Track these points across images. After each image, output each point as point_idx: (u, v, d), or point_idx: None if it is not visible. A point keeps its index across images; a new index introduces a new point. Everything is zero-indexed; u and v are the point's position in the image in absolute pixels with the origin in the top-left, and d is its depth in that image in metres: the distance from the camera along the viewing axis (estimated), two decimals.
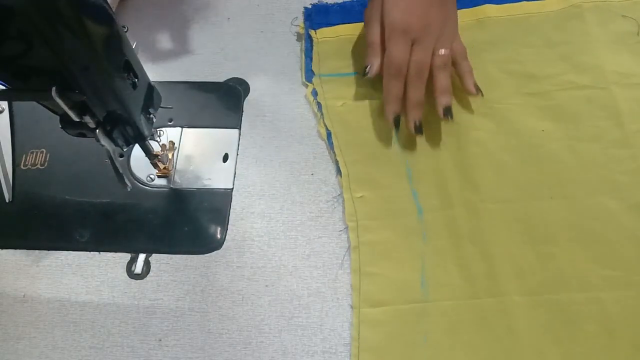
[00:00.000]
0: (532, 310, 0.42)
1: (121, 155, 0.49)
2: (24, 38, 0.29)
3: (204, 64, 0.55)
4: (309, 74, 0.53)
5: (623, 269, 0.42)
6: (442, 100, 0.46)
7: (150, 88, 0.40)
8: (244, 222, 0.47)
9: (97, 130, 0.35)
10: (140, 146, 0.43)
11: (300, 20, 0.56)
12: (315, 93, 0.52)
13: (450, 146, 0.48)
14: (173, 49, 0.56)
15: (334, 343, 0.42)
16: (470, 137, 0.48)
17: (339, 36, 0.54)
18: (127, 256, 0.46)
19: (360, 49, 0.53)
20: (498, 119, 0.46)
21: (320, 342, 0.42)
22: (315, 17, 0.55)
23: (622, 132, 0.47)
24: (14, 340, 0.44)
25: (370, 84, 0.51)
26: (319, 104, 0.51)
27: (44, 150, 0.50)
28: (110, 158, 0.39)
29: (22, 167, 0.50)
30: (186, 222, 0.47)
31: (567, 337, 0.41)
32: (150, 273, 0.46)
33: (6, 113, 0.52)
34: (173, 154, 0.49)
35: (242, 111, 0.52)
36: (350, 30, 0.54)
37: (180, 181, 0.48)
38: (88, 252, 0.47)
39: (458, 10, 0.49)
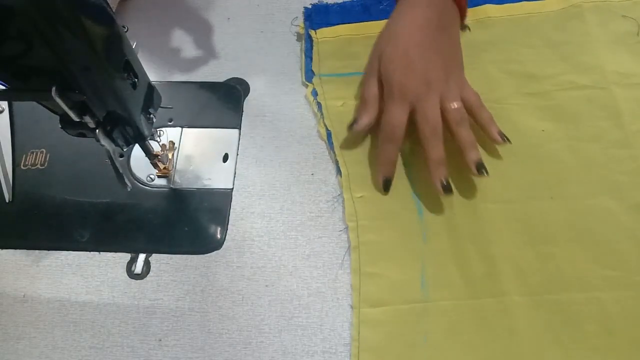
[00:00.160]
0: (532, 310, 0.42)
1: (121, 155, 0.49)
2: (24, 38, 0.29)
3: (204, 64, 0.55)
4: (309, 74, 0.53)
5: (623, 269, 0.43)
6: (472, 156, 0.44)
7: (150, 88, 0.40)
8: (244, 222, 0.47)
9: (97, 130, 0.35)
10: (140, 146, 0.43)
11: (300, 20, 0.56)
12: (315, 93, 0.52)
13: (449, 146, 0.48)
14: (173, 49, 0.56)
15: (334, 343, 0.42)
16: None
17: (339, 36, 0.54)
18: (127, 256, 0.46)
19: (360, 49, 0.53)
20: (498, 119, 0.46)
21: (320, 342, 0.42)
22: (315, 17, 0.55)
23: (622, 132, 0.47)
24: (14, 340, 0.44)
25: None
26: (319, 104, 0.51)
27: (44, 150, 0.50)
28: (110, 158, 0.39)
29: (22, 167, 0.50)
30: (186, 222, 0.47)
31: (567, 337, 0.41)
32: (150, 273, 0.46)
33: (6, 113, 0.52)
34: (173, 154, 0.49)
35: (242, 111, 0.52)
36: (350, 31, 0.54)
37: (180, 181, 0.48)
38: (88, 252, 0.47)
39: None
